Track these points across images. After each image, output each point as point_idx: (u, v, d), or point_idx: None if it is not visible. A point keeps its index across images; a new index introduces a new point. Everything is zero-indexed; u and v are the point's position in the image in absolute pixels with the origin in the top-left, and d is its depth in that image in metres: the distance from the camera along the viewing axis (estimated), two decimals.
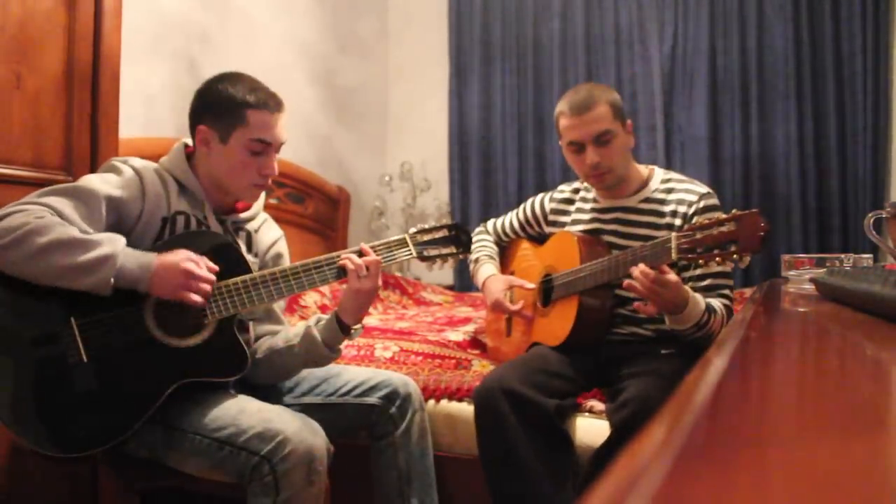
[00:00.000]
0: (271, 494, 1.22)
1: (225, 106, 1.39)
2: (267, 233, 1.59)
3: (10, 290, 1.23)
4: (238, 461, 1.24)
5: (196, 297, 1.26)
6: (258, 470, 1.22)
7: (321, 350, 1.43)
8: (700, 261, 1.31)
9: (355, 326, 1.45)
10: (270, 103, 1.41)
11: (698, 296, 1.49)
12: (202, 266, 1.28)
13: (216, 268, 1.31)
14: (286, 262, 1.56)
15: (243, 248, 1.49)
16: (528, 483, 1.44)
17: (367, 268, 1.39)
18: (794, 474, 0.30)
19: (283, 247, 1.60)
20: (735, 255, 1.27)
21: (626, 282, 1.41)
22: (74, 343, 1.25)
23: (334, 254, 1.43)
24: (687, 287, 1.47)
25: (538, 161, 3.76)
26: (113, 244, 1.23)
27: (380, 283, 1.42)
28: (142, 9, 2.49)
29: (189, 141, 1.47)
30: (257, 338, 1.51)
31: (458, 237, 1.54)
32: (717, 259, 1.29)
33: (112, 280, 1.21)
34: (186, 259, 1.26)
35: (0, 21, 1.56)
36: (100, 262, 1.20)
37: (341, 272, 1.41)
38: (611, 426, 1.45)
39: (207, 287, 1.28)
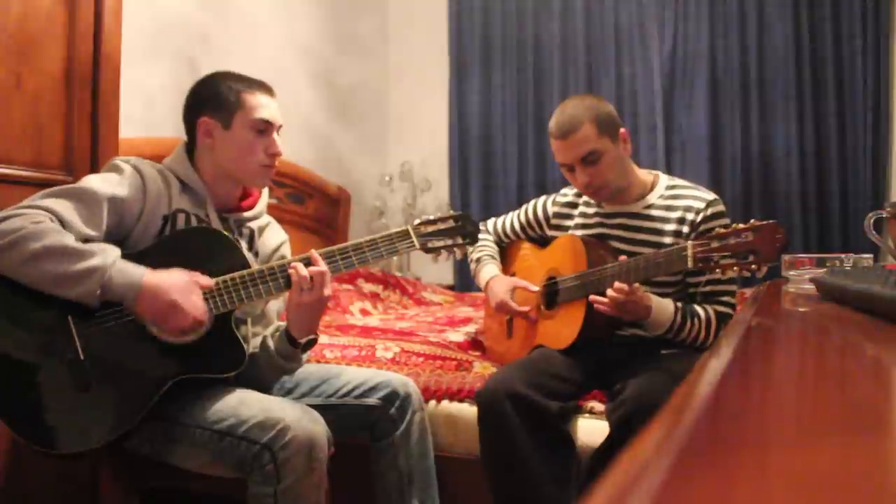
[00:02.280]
0: (272, 483, 1.21)
1: (222, 95, 1.42)
2: (272, 236, 1.59)
3: (8, 288, 1.23)
4: (239, 451, 1.24)
5: (171, 335, 1.26)
6: (259, 459, 1.22)
7: (277, 361, 1.41)
8: (717, 270, 1.32)
9: (303, 340, 1.39)
10: (263, 86, 1.46)
11: (667, 301, 1.52)
12: (194, 293, 1.25)
13: (210, 284, 1.29)
14: None
15: (244, 247, 1.49)
16: (531, 485, 1.44)
17: (312, 278, 1.33)
18: (794, 474, 0.30)
19: (287, 251, 1.60)
20: (754, 266, 1.27)
21: (597, 306, 1.48)
22: (72, 341, 1.24)
23: (303, 255, 1.38)
24: (650, 295, 1.50)
25: (538, 161, 3.76)
26: (104, 256, 1.21)
27: (328, 292, 1.35)
28: (142, 9, 2.49)
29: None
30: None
31: (465, 227, 1.48)
32: (735, 269, 1.29)
33: (98, 292, 1.20)
34: (175, 289, 1.23)
35: (0, 21, 1.56)
36: (88, 273, 1.19)
37: (340, 266, 1.38)
38: (610, 425, 1.45)
39: (189, 322, 1.25)
